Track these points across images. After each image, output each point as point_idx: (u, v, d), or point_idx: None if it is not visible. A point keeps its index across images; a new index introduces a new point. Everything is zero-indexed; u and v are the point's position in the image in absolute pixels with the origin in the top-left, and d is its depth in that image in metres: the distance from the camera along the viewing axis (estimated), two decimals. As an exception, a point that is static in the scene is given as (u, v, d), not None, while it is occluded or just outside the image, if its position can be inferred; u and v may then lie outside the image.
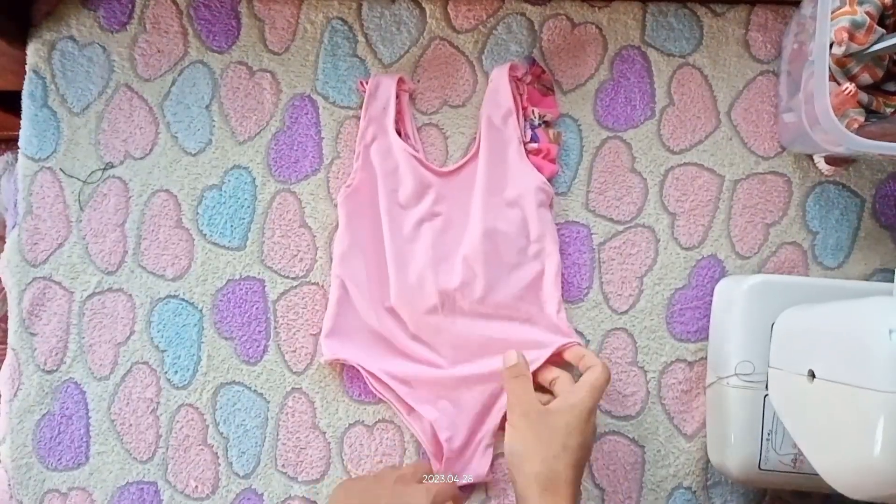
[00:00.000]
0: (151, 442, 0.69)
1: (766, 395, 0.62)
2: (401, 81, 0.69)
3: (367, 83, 0.69)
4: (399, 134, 0.68)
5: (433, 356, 0.67)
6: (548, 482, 0.57)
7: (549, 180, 0.68)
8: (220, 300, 0.70)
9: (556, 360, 0.66)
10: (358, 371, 0.68)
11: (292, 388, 0.69)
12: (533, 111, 0.68)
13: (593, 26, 0.70)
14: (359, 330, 0.68)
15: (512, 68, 0.68)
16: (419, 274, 0.67)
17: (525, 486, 0.58)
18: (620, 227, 0.70)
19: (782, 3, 0.69)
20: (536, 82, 0.69)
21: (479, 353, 0.67)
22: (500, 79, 0.68)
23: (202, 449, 0.69)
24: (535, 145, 0.68)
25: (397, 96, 0.69)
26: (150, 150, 0.71)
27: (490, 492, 0.69)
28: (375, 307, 0.68)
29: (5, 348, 0.70)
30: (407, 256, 0.67)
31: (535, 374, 0.64)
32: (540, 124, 0.68)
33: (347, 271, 0.68)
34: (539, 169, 0.67)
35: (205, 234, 0.70)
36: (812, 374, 0.54)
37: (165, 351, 0.70)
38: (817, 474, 0.55)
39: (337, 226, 0.69)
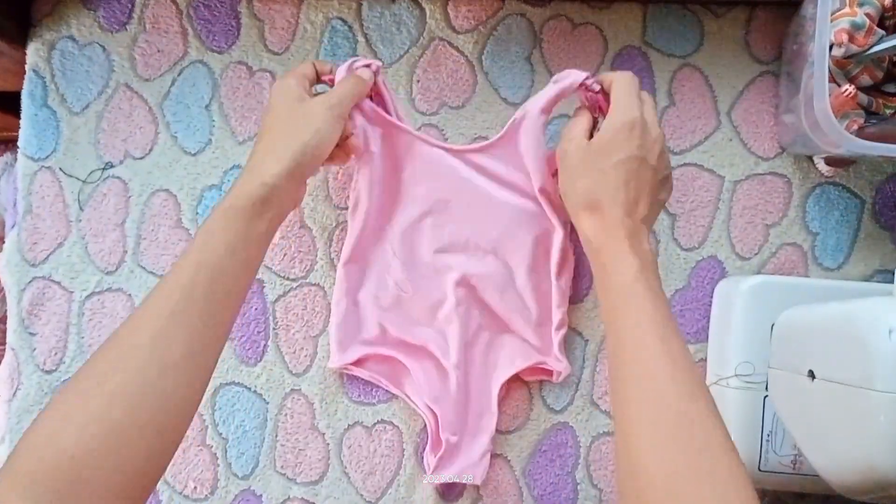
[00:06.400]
0: (150, 442, 0.69)
1: (766, 396, 0.62)
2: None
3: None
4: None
5: (440, 353, 0.67)
6: (595, 197, 0.54)
7: None
8: (220, 300, 0.70)
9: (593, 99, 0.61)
10: (357, 372, 0.68)
11: (291, 389, 0.69)
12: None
13: (593, 27, 0.70)
14: (365, 331, 0.68)
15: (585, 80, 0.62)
16: (431, 262, 0.67)
17: (575, 212, 0.56)
18: (620, 228, 0.70)
19: (782, 4, 0.69)
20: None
21: (485, 352, 0.68)
22: (569, 83, 0.61)
23: (201, 449, 0.69)
24: None
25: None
26: (150, 149, 0.71)
27: (483, 491, 0.69)
28: (381, 305, 0.68)
29: (4, 348, 0.70)
30: (415, 246, 0.67)
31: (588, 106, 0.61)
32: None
33: (355, 274, 0.68)
34: None
35: (204, 235, 0.70)
36: (812, 375, 0.54)
37: (165, 351, 0.69)
38: (817, 475, 0.56)
39: (336, 226, 0.69)
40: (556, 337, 0.66)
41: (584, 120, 0.59)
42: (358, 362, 0.68)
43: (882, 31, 0.59)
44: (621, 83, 0.57)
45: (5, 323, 0.70)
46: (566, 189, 0.58)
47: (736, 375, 0.63)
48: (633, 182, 0.54)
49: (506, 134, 0.65)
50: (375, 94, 0.65)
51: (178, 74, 0.71)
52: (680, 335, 0.49)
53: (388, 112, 0.65)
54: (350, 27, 0.71)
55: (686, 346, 0.49)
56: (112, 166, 0.71)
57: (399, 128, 0.66)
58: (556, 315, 0.66)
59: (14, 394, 0.69)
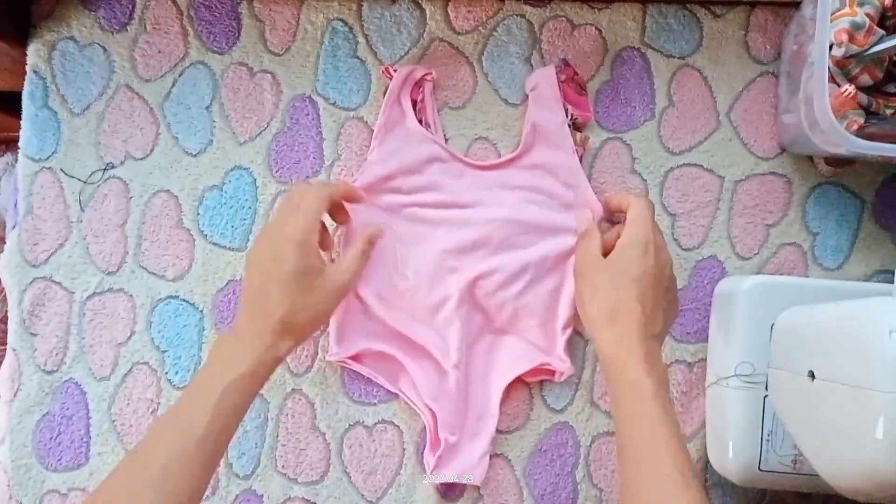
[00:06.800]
0: (151, 442, 0.69)
1: (766, 396, 0.62)
2: (426, 73, 0.69)
3: (393, 70, 0.68)
4: (420, 123, 0.69)
5: (440, 354, 0.67)
6: (612, 312, 0.58)
7: None
8: (221, 301, 0.70)
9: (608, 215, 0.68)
10: (358, 372, 0.68)
11: (292, 390, 0.69)
12: (566, 110, 0.68)
13: (593, 28, 0.70)
14: (366, 326, 0.68)
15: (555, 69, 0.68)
16: (437, 262, 0.67)
17: (593, 325, 0.59)
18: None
19: (782, 4, 0.69)
20: (570, 82, 0.69)
21: (486, 353, 0.68)
22: (548, 82, 0.68)
23: (202, 449, 0.69)
24: None
25: (421, 87, 0.69)
26: (151, 150, 0.71)
27: (483, 490, 0.69)
28: (384, 301, 0.67)
29: (5, 349, 0.70)
30: (424, 245, 0.67)
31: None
32: (569, 125, 0.68)
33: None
34: None
35: (205, 235, 0.70)
36: (812, 375, 0.55)
37: (166, 351, 0.70)
38: (817, 475, 0.56)
39: (337, 226, 0.69)
40: (562, 337, 0.66)
41: (595, 237, 0.63)
42: (357, 357, 0.68)
43: (882, 31, 0.59)
44: (639, 206, 0.62)
45: (6, 323, 0.70)
46: (584, 302, 0.61)
47: (736, 375, 0.63)
48: (648, 298, 0.58)
49: (522, 149, 0.68)
50: (420, 101, 0.68)
51: (179, 75, 0.71)
52: (688, 454, 0.52)
53: (425, 118, 0.68)
54: (350, 28, 0.71)
55: (693, 463, 0.52)
56: (113, 167, 0.71)
57: (426, 136, 0.68)
58: (563, 314, 0.66)
59: (15, 394, 0.69)
